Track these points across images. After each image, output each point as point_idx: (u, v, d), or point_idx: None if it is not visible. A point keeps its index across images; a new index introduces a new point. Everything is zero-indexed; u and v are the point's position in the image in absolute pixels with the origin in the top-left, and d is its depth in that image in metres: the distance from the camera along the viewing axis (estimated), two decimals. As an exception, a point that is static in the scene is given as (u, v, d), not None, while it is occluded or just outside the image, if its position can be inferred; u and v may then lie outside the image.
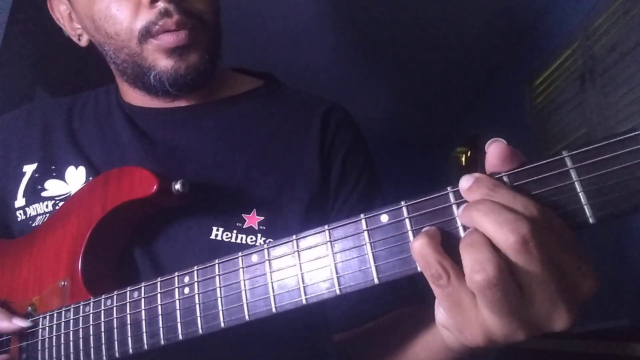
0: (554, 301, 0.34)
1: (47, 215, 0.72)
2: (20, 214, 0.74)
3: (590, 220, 0.34)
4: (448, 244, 0.37)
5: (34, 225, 0.72)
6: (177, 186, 0.61)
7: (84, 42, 0.77)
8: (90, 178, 0.72)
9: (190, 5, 0.68)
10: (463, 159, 4.18)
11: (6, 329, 0.63)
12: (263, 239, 0.66)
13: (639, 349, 1.58)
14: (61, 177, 0.74)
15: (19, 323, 0.62)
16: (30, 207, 0.73)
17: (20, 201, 0.74)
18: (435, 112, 4.13)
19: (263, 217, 0.67)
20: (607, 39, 2.39)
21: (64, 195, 0.72)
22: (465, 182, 0.37)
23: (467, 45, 3.24)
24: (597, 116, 2.43)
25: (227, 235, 0.65)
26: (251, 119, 0.77)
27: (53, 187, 0.73)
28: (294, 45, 3.21)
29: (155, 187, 0.61)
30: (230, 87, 0.81)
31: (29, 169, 0.76)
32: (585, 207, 0.34)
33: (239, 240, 0.65)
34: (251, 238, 0.66)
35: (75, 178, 0.73)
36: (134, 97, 0.78)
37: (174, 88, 0.70)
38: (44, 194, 0.73)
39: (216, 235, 0.65)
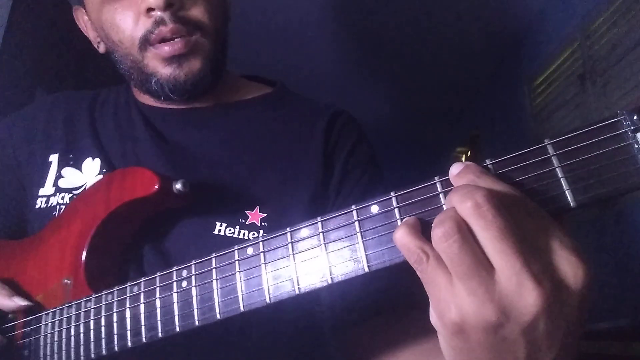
0: (521, 275, 0.34)
1: (62, 207, 0.73)
2: (40, 201, 0.75)
3: (572, 204, 0.35)
4: None
5: (55, 214, 0.73)
6: (178, 186, 0.62)
7: (102, 49, 0.80)
8: (104, 171, 0.74)
9: (188, 14, 0.70)
10: (463, 158, 4.19)
11: (6, 307, 0.64)
12: (265, 234, 0.67)
13: (639, 349, 1.58)
14: (78, 166, 0.76)
15: (19, 302, 0.63)
16: (56, 196, 0.75)
17: (47, 189, 0.76)
18: (436, 112, 4.13)
19: (266, 214, 0.68)
20: (607, 39, 2.39)
21: (79, 187, 0.74)
22: (455, 169, 0.39)
23: (467, 45, 3.25)
24: (597, 116, 2.43)
25: (230, 230, 0.67)
26: (259, 122, 0.79)
27: (69, 175, 0.75)
28: (296, 48, 3.22)
29: (156, 187, 0.62)
30: (240, 92, 0.84)
31: (54, 158, 0.78)
32: (566, 192, 0.35)
33: (241, 236, 0.66)
34: (253, 234, 0.67)
35: (91, 169, 0.75)
36: (147, 97, 0.80)
37: (174, 94, 0.72)
38: (60, 182, 0.75)
39: (219, 231, 0.67)
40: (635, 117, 0.33)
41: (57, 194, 0.75)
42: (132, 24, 0.69)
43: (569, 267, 0.35)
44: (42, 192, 0.76)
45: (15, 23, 1.69)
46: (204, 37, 0.71)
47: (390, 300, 0.67)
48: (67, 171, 0.76)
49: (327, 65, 3.45)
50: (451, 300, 0.36)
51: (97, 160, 0.75)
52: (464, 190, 0.36)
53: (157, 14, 0.68)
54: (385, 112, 4.09)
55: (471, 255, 0.35)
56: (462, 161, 0.39)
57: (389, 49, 3.32)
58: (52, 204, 0.74)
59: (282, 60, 3.24)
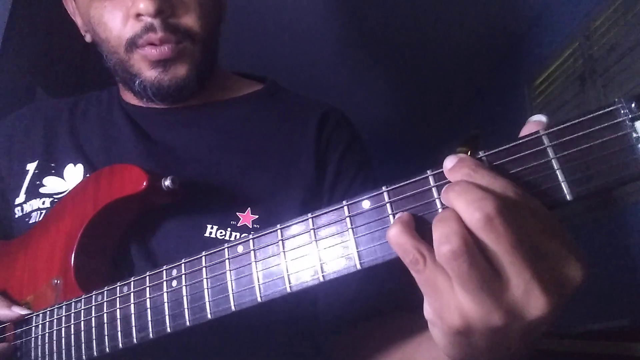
0: (530, 284, 0.34)
1: (43, 211, 0.72)
2: (18, 210, 0.75)
3: (568, 197, 0.34)
4: (427, 227, 0.36)
5: (29, 221, 0.73)
6: (167, 182, 0.61)
7: (88, 38, 0.79)
8: (88, 175, 0.72)
9: (177, 21, 0.69)
10: (463, 159, 4.18)
11: (6, 317, 0.63)
12: None
13: (639, 349, 1.57)
14: (60, 174, 0.75)
15: (19, 311, 0.63)
16: (27, 203, 0.74)
17: (20, 198, 0.75)
18: (435, 112, 4.13)
19: (257, 216, 0.67)
20: (607, 39, 2.39)
21: (61, 192, 0.73)
22: (448, 162, 0.37)
23: (468, 45, 3.25)
24: (597, 116, 2.43)
25: (221, 233, 0.66)
26: (249, 120, 0.78)
27: (51, 183, 0.74)
28: (296, 46, 3.22)
29: (144, 184, 0.61)
30: (230, 90, 0.82)
31: (31, 167, 0.77)
32: (562, 184, 0.34)
33: (232, 238, 0.65)
34: (245, 236, 0.66)
35: (74, 175, 0.74)
36: (133, 97, 0.78)
37: (157, 97, 0.72)
38: (42, 190, 0.74)
39: (210, 233, 0.66)
40: (633, 105, 0.32)
41: (34, 199, 0.74)
42: (120, 25, 0.68)
43: (570, 268, 0.35)
44: (17, 201, 0.75)
45: (15, 23, 1.69)
46: (193, 45, 0.70)
47: (384, 302, 0.67)
48: (49, 180, 0.75)
49: (327, 66, 3.45)
50: (454, 305, 0.36)
51: (80, 166, 0.74)
52: (471, 197, 0.34)
53: (147, 19, 0.66)
54: (385, 112, 4.09)
55: (480, 271, 0.34)
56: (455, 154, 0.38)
57: (389, 49, 3.31)
58: (26, 210, 0.74)
59: (279, 58, 3.24)
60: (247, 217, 0.67)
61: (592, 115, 0.33)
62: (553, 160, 0.34)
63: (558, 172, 0.34)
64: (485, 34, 3.14)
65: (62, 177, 0.74)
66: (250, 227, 0.66)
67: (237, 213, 0.67)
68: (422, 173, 0.38)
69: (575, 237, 0.36)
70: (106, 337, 0.54)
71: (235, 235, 0.66)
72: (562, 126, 0.34)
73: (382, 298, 0.66)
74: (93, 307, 0.56)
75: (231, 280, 0.47)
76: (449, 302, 0.36)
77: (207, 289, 0.48)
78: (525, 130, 0.37)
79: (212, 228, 0.66)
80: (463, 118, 4.14)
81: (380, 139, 4.20)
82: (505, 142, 0.37)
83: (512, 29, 3.11)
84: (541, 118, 0.37)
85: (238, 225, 0.66)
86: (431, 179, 0.38)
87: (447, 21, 3.03)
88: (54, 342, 0.59)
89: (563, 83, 2.76)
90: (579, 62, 2.61)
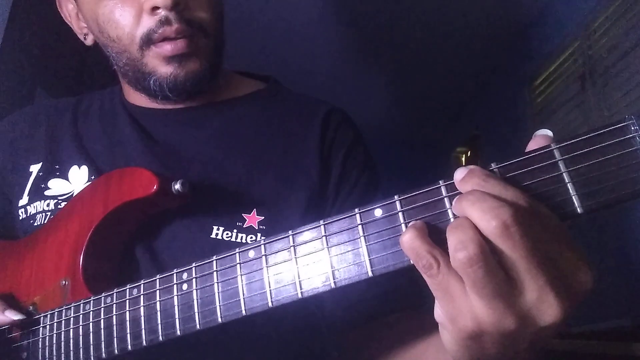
0: (543, 290, 0.35)
1: (48, 213, 0.72)
2: (22, 212, 0.75)
3: (579, 210, 0.35)
4: (439, 236, 0.37)
5: (34, 223, 0.73)
6: (177, 186, 0.62)
7: (89, 41, 0.78)
8: (93, 177, 0.73)
9: (192, 14, 0.68)
10: (463, 159, 4.18)
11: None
12: (263, 238, 0.66)
13: (639, 349, 1.58)
14: (64, 176, 0.75)
15: (12, 316, 0.62)
16: (31, 205, 0.74)
17: (24, 200, 0.75)
18: (435, 112, 4.13)
19: (263, 217, 0.67)
20: (607, 39, 2.39)
21: (66, 194, 0.73)
22: (459, 174, 0.38)
23: (467, 45, 3.25)
24: (597, 116, 2.43)
25: (227, 234, 0.66)
26: (253, 120, 0.78)
27: (56, 186, 0.74)
28: (294, 46, 3.21)
29: (155, 187, 0.61)
30: (233, 89, 0.82)
31: (35, 168, 0.77)
32: (573, 197, 0.35)
33: (239, 240, 0.66)
34: (251, 237, 0.66)
35: (78, 177, 0.74)
36: (138, 97, 0.79)
37: (173, 93, 0.71)
38: (47, 192, 0.74)
39: (216, 235, 0.66)
40: (643, 121, 0.33)
41: (37, 201, 0.74)
42: (133, 21, 0.67)
43: (581, 275, 0.36)
44: (20, 203, 0.75)
45: (15, 23, 1.69)
46: (205, 38, 0.70)
47: (391, 302, 0.67)
48: (54, 182, 0.75)
49: (326, 65, 3.45)
50: (466, 309, 0.36)
51: (84, 168, 0.74)
52: (486, 206, 0.35)
53: (162, 13, 0.66)
54: (385, 112, 4.09)
55: (495, 277, 0.35)
56: (462, 162, 0.38)
57: (389, 49, 3.31)
58: (30, 212, 0.74)
59: (278, 57, 3.24)
60: (252, 218, 0.67)
61: (603, 130, 0.34)
62: (564, 174, 0.35)
63: (569, 186, 0.35)
64: (485, 34, 3.14)
65: (67, 179, 0.74)
66: (256, 228, 0.67)
67: (242, 214, 0.67)
68: (435, 183, 0.39)
69: (574, 237, 0.36)
70: (115, 339, 0.55)
71: (242, 237, 0.66)
72: (573, 140, 0.35)
73: (388, 298, 0.67)
74: (102, 308, 0.57)
75: (242, 285, 0.47)
76: (461, 306, 0.37)
77: (218, 292, 0.48)
78: (532, 145, 0.38)
79: (218, 229, 0.66)
80: (463, 118, 4.14)
81: (380, 139, 4.19)
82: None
83: (512, 28, 3.11)
84: (548, 132, 0.38)
85: (244, 226, 0.66)
86: (443, 189, 0.39)
87: (446, 21, 3.02)
88: (62, 343, 0.59)
89: (563, 83, 2.76)
90: (579, 62, 2.61)
